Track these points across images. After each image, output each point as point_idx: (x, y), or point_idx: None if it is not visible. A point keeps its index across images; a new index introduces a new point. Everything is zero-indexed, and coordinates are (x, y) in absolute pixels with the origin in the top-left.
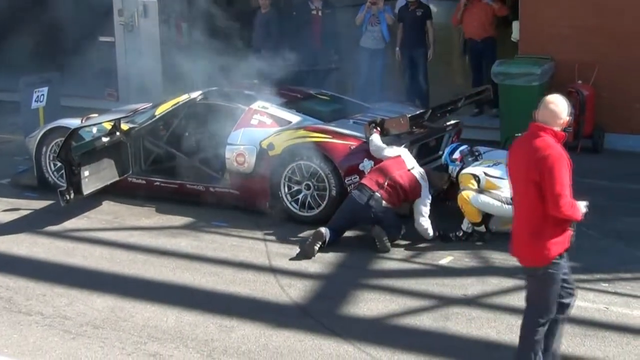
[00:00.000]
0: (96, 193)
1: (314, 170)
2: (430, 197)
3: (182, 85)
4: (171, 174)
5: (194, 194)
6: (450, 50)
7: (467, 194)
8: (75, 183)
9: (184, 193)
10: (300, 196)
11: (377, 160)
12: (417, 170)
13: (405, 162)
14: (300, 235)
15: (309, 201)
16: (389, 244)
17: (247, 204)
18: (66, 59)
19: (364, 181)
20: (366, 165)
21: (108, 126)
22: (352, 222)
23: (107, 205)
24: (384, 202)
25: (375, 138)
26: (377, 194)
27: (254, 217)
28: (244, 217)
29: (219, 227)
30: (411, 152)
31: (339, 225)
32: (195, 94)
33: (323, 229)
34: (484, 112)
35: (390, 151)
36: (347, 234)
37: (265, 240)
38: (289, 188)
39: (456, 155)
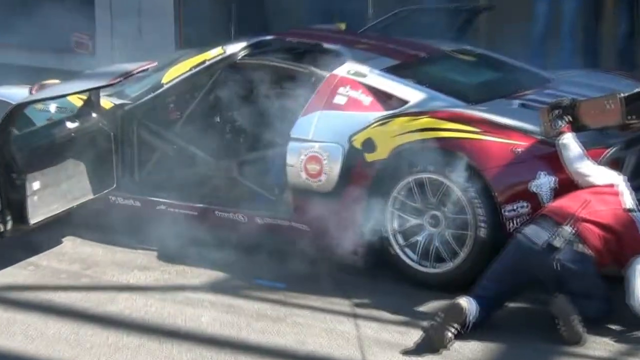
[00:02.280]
0: (53, 222)
1: (446, 191)
2: None
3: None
4: (187, 191)
5: (227, 226)
6: None
7: None
8: (15, 203)
9: (209, 225)
10: (420, 237)
11: (562, 176)
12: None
13: (622, 196)
14: (420, 309)
15: (436, 247)
16: (582, 330)
17: (322, 248)
18: None
19: (545, 211)
20: (543, 183)
21: (76, 102)
22: (516, 285)
23: (71, 245)
24: (580, 247)
25: (569, 140)
26: (566, 229)
27: (334, 273)
28: (316, 272)
29: (271, 290)
30: (627, 166)
31: (492, 292)
32: (235, 47)
33: (463, 300)
34: None
35: (599, 174)
36: (506, 308)
37: (355, 316)
38: (401, 222)
39: None
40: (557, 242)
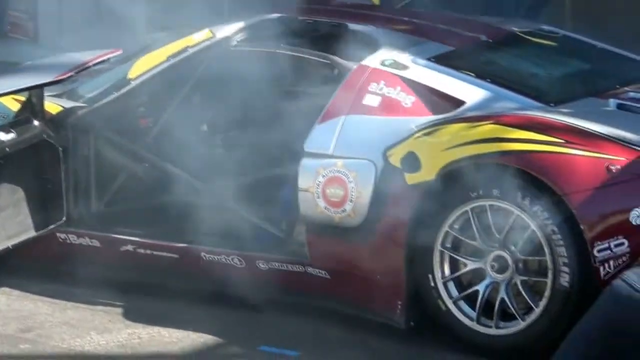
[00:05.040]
0: None
1: (516, 225)
2: None
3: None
4: (163, 226)
5: (218, 274)
6: None
7: None
8: None
9: (194, 271)
10: (480, 287)
11: None
12: None
13: None
14: None
15: (502, 300)
16: None
17: (347, 303)
18: None
19: None
20: None
21: (12, 105)
22: (613, 352)
23: (6, 299)
24: None
25: None
26: None
27: (364, 337)
28: (340, 335)
29: None
30: None
31: (578, 359)
32: (228, 30)
33: None
34: None
35: None
36: None
37: None
38: (455, 267)
39: None
40: None
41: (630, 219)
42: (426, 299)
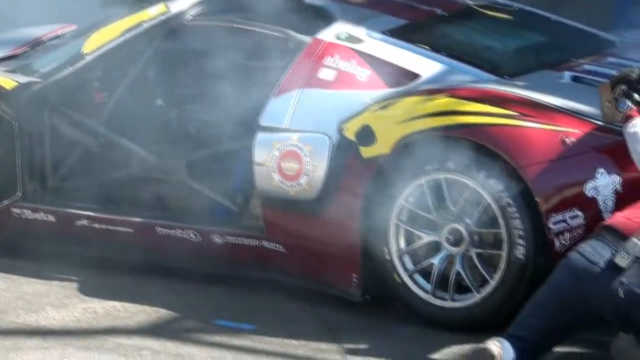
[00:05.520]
0: None
1: (471, 197)
2: None
3: None
4: (118, 201)
5: (173, 248)
6: None
7: None
8: None
9: (149, 246)
10: (436, 260)
11: (629, 174)
12: None
13: None
14: (436, 357)
15: (457, 272)
16: None
17: (303, 276)
18: None
19: (608, 222)
20: (603, 185)
21: None
22: (567, 322)
23: None
24: None
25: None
26: (635, 242)
27: (319, 310)
28: (295, 308)
29: (235, 333)
30: None
31: (534, 332)
32: (183, 3)
33: (495, 345)
34: None
35: None
36: (552, 354)
37: None
38: (410, 240)
39: None
40: (622, 261)
41: (585, 191)
42: (381, 272)
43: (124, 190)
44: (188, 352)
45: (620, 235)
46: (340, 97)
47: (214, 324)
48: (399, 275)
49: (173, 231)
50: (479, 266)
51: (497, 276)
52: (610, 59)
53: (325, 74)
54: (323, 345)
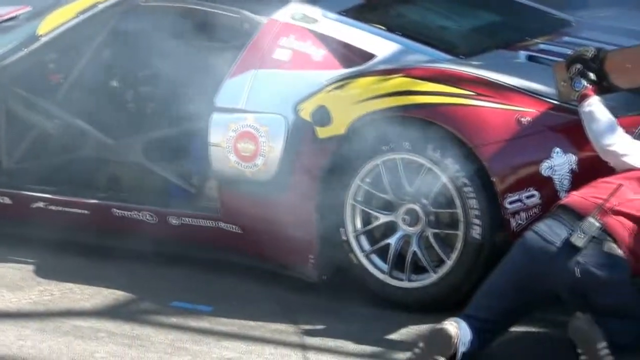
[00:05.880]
0: None
1: (427, 177)
2: None
3: None
4: (74, 183)
5: (129, 229)
6: None
7: None
8: None
9: (106, 227)
10: (392, 240)
11: (584, 154)
12: None
13: None
14: (393, 337)
15: (414, 253)
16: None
17: (259, 257)
18: None
19: (564, 201)
20: (559, 164)
21: None
22: (523, 302)
23: None
24: (609, 246)
25: (595, 106)
26: (590, 221)
27: (276, 291)
28: (252, 290)
29: (192, 315)
30: None
31: (491, 312)
32: None
33: (452, 325)
34: None
35: (635, 151)
36: (509, 334)
37: (304, 347)
38: (366, 220)
39: None
40: (579, 240)
41: (541, 170)
42: (338, 253)
43: (79, 172)
44: (145, 333)
45: (576, 215)
46: (296, 77)
47: (170, 306)
48: (355, 255)
49: (129, 213)
50: (435, 246)
51: (454, 256)
52: (566, 38)
53: (280, 54)
54: (280, 326)
